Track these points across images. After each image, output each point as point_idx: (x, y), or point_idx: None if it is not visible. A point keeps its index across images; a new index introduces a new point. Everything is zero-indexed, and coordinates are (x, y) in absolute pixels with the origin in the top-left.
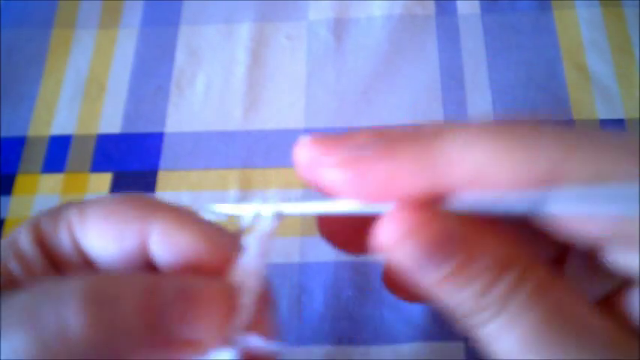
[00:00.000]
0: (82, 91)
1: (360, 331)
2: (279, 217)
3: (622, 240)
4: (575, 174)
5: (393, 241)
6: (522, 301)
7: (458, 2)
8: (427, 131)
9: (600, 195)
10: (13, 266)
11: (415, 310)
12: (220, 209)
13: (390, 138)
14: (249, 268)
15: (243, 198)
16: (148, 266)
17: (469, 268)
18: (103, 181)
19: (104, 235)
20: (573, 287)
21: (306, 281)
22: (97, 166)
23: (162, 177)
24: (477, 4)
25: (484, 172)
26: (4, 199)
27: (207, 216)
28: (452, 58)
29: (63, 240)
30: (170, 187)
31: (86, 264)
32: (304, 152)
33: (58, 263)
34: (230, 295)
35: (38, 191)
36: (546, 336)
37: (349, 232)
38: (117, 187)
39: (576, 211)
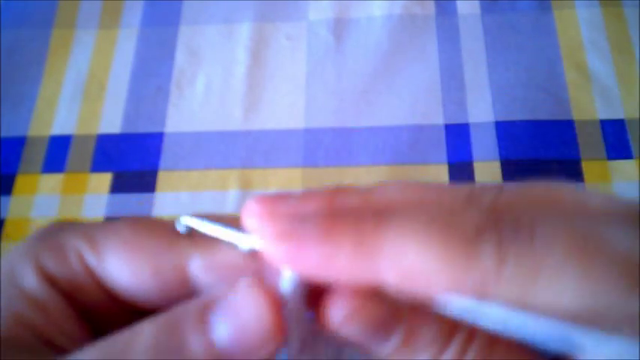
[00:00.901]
0: (82, 91)
1: None
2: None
3: None
4: (503, 291)
5: (339, 322)
6: None
7: (458, 2)
8: (370, 212)
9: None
10: (31, 315)
11: None
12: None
13: (334, 212)
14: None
15: (243, 198)
16: (185, 287)
17: (415, 342)
18: (103, 181)
19: (132, 266)
20: (515, 346)
21: None
22: (97, 166)
23: (162, 177)
24: (477, 4)
25: (418, 275)
26: (4, 199)
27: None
28: (452, 58)
29: (76, 274)
30: (170, 187)
31: (104, 292)
32: (251, 216)
33: (68, 296)
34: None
35: (38, 191)
36: None
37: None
38: (117, 187)
39: (501, 329)
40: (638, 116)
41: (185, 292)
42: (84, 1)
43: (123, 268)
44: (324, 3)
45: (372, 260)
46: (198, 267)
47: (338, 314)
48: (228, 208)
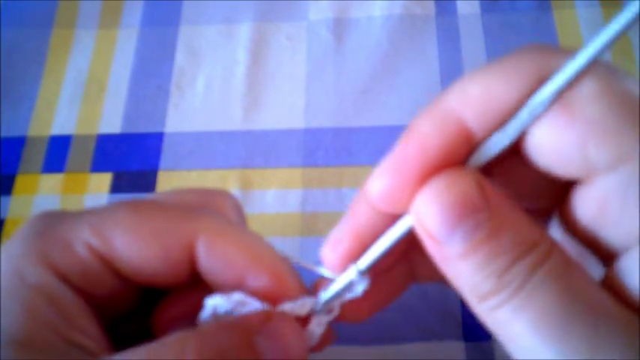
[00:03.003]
0: (82, 91)
1: (361, 331)
2: (362, 277)
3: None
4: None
5: (423, 207)
6: (538, 283)
7: (458, 2)
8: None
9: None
10: (50, 314)
11: (417, 309)
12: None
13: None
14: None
15: (243, 198)
16: (192, 265)
17: (497, 240)
18: (103, 181)
19: (141, 248)
20: (584, 270)
21: (306, 281)
22: (97, 166)
23: (162, 177)
24: (477, 4)
25: (490, 96)
26: (4, 199)
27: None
28: (452, 58)
29: (87, 265)
30: (170, 187)
31: (114, 277)
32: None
33: (79, 290)
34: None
35: (38, 191)
36: (557, 319)
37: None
38: (117, 187)
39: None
40: None
41: (192, 270)
42: (84, 1)
43: (132, 251)
44: (324, 3)
45: (448, 108)
46: (203, 247)
47: (424, 199)
48: None
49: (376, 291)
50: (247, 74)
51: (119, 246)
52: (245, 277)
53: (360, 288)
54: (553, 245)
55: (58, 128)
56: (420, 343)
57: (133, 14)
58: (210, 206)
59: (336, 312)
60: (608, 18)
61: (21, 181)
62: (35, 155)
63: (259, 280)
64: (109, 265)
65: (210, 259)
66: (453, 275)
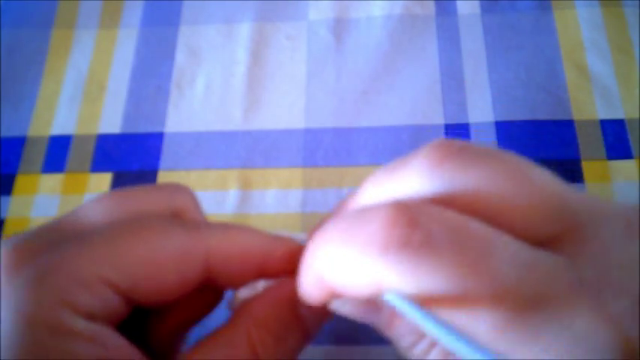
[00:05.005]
0: (82, 91)
1: (360, 331)
2: None
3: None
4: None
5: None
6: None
7: (458, 2)
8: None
9: None
10: (105, 356)
11: None
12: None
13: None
14: None
15: (243, 198)
16: (199, 281)
17: (394, 330)
18: (103, 181)
19: (160, 278)
20: None
21: None
22: (97, 166)
23: (163, 177)
24: (477, 4)
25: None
26: (4, 199)
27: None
28: (452, 58)
29: (111, 302)
30: None
31: (127, 303)
32: None
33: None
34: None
35: (38, 191)
36: None
37: None
38: (117, 187)
39: None
40: (638, 116)
41: (198, 284)
42: (84, 1)
43: (153, 283)
44: (324, 3)
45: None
46: (217, 260)
47: (336, 303)
48: (228, 209)
49: None
50: (247, 74)
51: (141, 281)
52: (262, 268)
53: None
54: None
55: (58, 128)
56: None
57: (133, 14)
58: (177, 205)
59: None
60: (608, 18)
61: (21, 181)
62: (35, 155)
63: (276, 266)
64: (126, 296)
65: (227, 268)
66: None
